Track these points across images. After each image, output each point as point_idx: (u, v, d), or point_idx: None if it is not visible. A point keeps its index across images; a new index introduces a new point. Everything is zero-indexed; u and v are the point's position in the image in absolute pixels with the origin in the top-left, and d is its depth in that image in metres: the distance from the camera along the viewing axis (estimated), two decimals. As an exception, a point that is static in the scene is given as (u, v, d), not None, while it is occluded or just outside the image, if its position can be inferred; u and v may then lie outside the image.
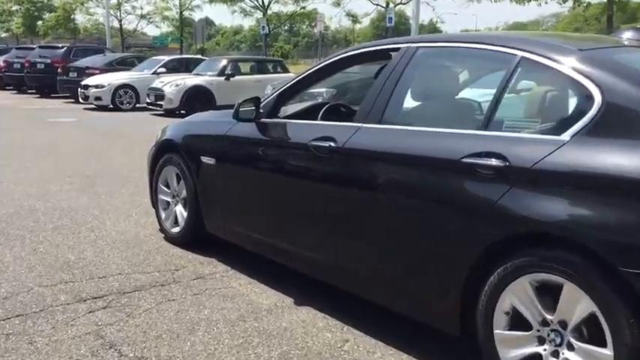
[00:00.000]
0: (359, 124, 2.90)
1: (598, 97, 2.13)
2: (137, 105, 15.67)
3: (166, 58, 17.45)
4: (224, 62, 15.45)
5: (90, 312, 3.08)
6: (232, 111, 3.57)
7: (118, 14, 33.33)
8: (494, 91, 2.46)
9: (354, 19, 24.92)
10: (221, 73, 14.89)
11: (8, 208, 5.18)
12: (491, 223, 2.23)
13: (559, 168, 2.09)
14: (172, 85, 14.20)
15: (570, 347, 2.07)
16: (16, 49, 23.38)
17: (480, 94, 2.75)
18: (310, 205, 3.15)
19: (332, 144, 2.93)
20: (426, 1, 19.16)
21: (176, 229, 4.26)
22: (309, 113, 3.59)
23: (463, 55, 2.87)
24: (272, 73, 16.13)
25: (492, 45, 2.58)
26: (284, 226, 3.38)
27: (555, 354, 2.11)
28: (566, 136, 2.15)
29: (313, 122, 3.37)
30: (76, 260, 3.88)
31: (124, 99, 15.60)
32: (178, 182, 4.20)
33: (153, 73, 15.95)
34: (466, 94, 2.95)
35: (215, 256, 3.99)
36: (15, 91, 20.90)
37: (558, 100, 2.40)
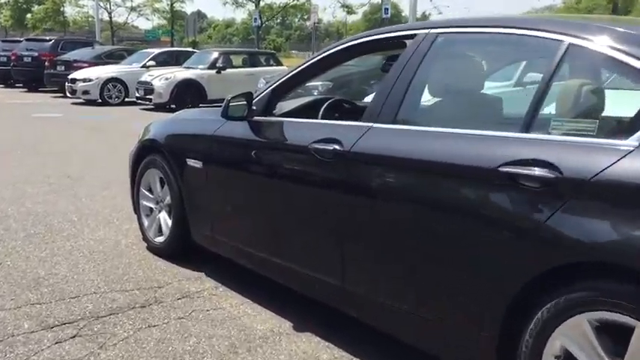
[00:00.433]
0: (369, 124, 2.48)
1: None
2: (126, 99, 15.18)
3: (156, 51, 16.93)
4: (215, 55, 14.96)
5: (56, 342, 2.64)
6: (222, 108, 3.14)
7: (108, 6, 32.68)
8: (535, 86, 2.05)
9: (349, 9, 24.37)
10: (212, 66, 14.42)
11: (-23, 214, 4.73)
12: (539, 247, 1.82)
13: (627, 180, 1.67)
14: (162, 78, 13.73)
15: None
16: (2, 41, 22.75)
17: (518, 90, 2.33)
18: (311, 217, 2.73)
19: (337, 147, 2.51)
20: (422, -9, 18.76)
21: (160, 239, 3.83)
22: (308, 110, 3.16)
23: (495, 43, 2.43)
24: (265, 66, 15.66)
25: (532, 30, 2.14)
26: (280, 240, 2.96)
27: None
28: (634, 140, 1.73)
29: (314, 121, 2.93)
30: (47, 276, 3.44)
31: (112, 93, 15.09)
32: (162, 187, 3.77)
33: (142, 67, 15.45)
34: (500, 89, 2.52)
35: (203, 269, 3.57)
36: (1, 85, 20.31)
37: (621, 97, 1.98)
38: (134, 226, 4.21)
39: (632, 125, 1.80)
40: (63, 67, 16.70)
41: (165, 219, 3.79)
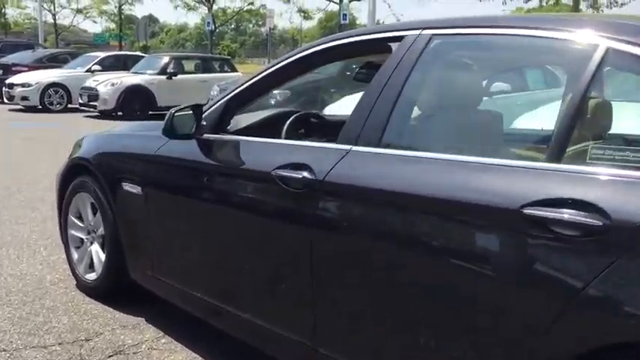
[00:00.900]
0: (346, 147, 1.99)
1: None
2: (69, 105, 14.29)
3: (102, 54, 16.05)
4: (166, 60, 14.24)
5: None
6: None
7: (52, 8, 31.21)
8: (563, 101, 1.60)
9: (306, 14, 23.88)
10: (162, 71, 13.70)
11: None
12: (579, 319, 1.36)
13: None
14: (108, 84, 12.94)
15: None
16: None
17: (540, 106, 1.88)
18: (273, 259, 2.22)
19: (307, 175, 2.01)
20: (382, -3, 18.41)
21: (91, 276, 3.23)
22: (269, 127, 2.65)
23: (507, 48, 1.98)
24: (219, 72, 15.02)
25: (557, 30, 1.70)
26: (235, 286, 2.43)
27: None
28: None
29: (278, 141, 2.42)
30: (-54, 327, 2.81)
31: (53, 99, 14.18)
32: (94, 214, 3.18)
33: (87, 71, 14.58)
34: (516, 104, 2.07)
35: (143, 313, 3.00)
36: None
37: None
38: (64, 257, 3.59)
39: None
40: (1, 72, 15.62)
41: (97, 252, 3.20)
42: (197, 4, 25.82)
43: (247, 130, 2.61)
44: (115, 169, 2.97)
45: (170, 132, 2.49)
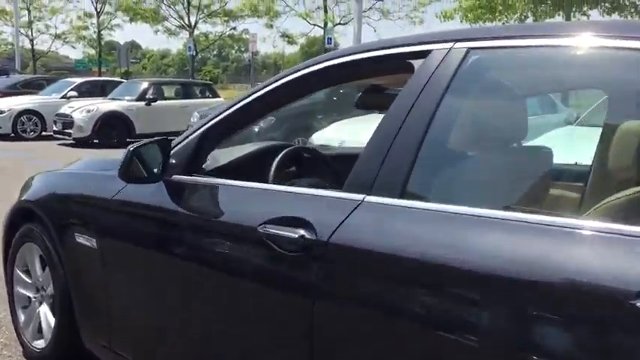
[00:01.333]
0: (358, 196, 1.49)
1: None
2: (43, 133, 13.67)
3: (79, 80, 15.50)
4: (145, 85, 13.71)
5: None
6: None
7: (30, 33, 30.53)
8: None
9: (290, 39, 23.54)
10: (141, 97, 13.16)
11: None
12: None
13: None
14: (83, 110, 12.37)
15: None
16: None
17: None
18: (259, 336, 1.71)
19: (305, 233, 1.51)
20: (367, 22, 18.00)
21: (40, 343, 2.68)
22: (254, 165, 2.15)
23: (575, 64, 1.51)
24: (200, 97, 14.52)
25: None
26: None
27: None
28: None
29: (266, 187, 1.91)
30: None
31: (27, 126, 13.56)
32: (43, 269, 2.64)
33: (62, 97, 14.01)
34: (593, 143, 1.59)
35: (101, 391, 2.45)
36: None
37: None
38: (10, 318, 3.02)
39: None
40: (-28, 98, 15.01)
41: (47, 315, 2.65)
42: (178, 29, 25.43)
43: (227, 170, 2.11)
44: (66, 217, 2.44)
45: (128, 174, 1.98)
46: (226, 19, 24.78)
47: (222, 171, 2.11)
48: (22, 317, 2.81)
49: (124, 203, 2.14)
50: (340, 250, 1.46)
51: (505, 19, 15.80)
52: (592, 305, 1.07)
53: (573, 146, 3.06)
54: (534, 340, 1.13)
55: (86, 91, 14.69)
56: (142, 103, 13.05)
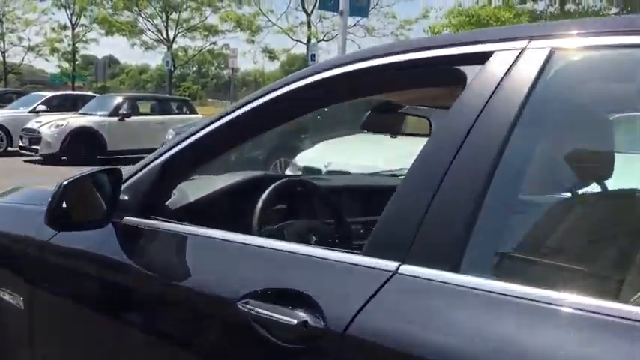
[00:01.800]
0: (388, 264, 1.00)
1: None
2: (9, 149, 12.95)
3: (49, 94, 14.85)
4: (118, 100, 13.09)
5: None
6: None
7: (2, 45, 29.60)
8: None
9: (271, 54, 22.97)
10: (114, 112, 12.54)
11: None
12: None
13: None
14: (52, 125, 11.72)
15: None
16: None
17: None
18: None
19: (309, 318, 1.01)
20: (351, 38, 17.56)
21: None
22: (232, 203, 1.65)
23: None
24: (177, 113, 13.95)
25: None
26: None
27: None
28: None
29: (249, 240, 1.38)
30: None
31: (-9, 142, 12.87)
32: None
33: (31, 112, 13.33)
34: None
35: None
36: None
37: None
38: None
39: None
40: None
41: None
42: (156, 43, 24.79)
43: (198, 210, 1.60)
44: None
45: (59, 219, 1.45)
46: (206, 33, 24.26)
47: (192, 211, 1.60)
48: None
49: (60, 251, 1.61)
50: (362, 346, 0.97)
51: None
52: None
53: None
54: None
55: (57, 105, 14.02)
56: (115, 119, 12.43)
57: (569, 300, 0.83)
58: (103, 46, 60.23)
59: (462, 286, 0.93)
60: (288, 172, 6.23)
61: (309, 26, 20.33)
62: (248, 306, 1.10)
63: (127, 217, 1.50)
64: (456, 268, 0.95)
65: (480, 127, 1.00)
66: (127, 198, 1.52)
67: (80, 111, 13.08)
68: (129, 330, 1.44)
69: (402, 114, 1.86)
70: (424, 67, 1.23)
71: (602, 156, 1.14)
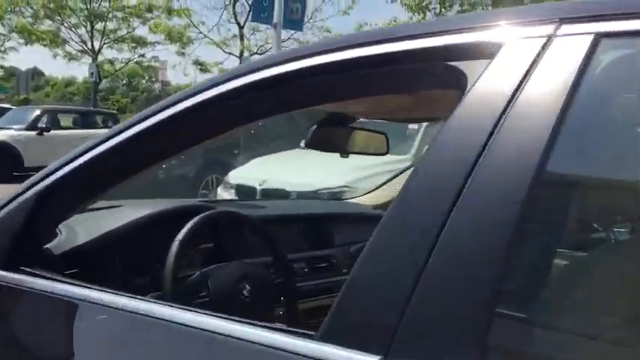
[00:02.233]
0: (364, 358, 0.65)
1: None
2: None
3: (-41, 106, 13.76)
4: (37, 113, 12.26)
5: None
6: None
7: None
8: None
9: (203, 67, 22.19)
10: (32, 126, 11.71)
11: None
12: None
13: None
14: (-39, 140, 10.79)
15: None
16: None
17: None
18: None
19: None
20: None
21: None
22: (139, 246, 1.26)
23: None
24: (102, 127, 13.17)
25: None
26: None
27: None
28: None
29: (163, 310, 0.96)
30: None
31: None
32: None
33: (-62, 126, 12.26)
34: None
35: None
36: None
37: None
38: None
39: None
40: None
41: None
42: (80, 54, 23.47)
43: (91, 257, 1.19)
44: None
45: None
46: (134, 45, 23.28)
47: (82, 259, 1.19)
48: None
49: None
50: None
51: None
52: None
53: None
54: None
55: (-33, 118, 12.98)
56: (33, 133, 11.62)
57: None
58: (26, 57, 57.69)
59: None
60: (220, 191, 5.82)
61: (241, 39, 19.87)
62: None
63: (-12, 269, 1.08)
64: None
65: (498, 152, 0.67)
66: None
67: (-7, 125, 12.15)
68: None
69: (354, 128, 1.53)
70: (395, 64, 0.88)
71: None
